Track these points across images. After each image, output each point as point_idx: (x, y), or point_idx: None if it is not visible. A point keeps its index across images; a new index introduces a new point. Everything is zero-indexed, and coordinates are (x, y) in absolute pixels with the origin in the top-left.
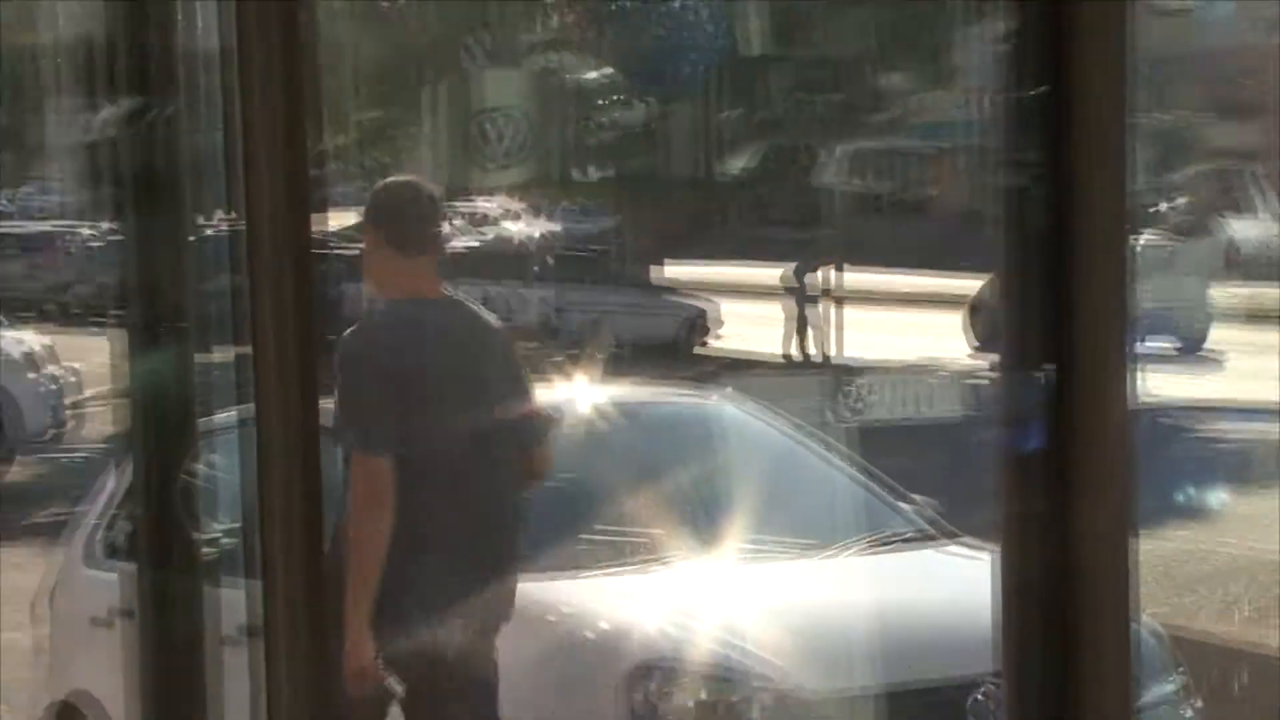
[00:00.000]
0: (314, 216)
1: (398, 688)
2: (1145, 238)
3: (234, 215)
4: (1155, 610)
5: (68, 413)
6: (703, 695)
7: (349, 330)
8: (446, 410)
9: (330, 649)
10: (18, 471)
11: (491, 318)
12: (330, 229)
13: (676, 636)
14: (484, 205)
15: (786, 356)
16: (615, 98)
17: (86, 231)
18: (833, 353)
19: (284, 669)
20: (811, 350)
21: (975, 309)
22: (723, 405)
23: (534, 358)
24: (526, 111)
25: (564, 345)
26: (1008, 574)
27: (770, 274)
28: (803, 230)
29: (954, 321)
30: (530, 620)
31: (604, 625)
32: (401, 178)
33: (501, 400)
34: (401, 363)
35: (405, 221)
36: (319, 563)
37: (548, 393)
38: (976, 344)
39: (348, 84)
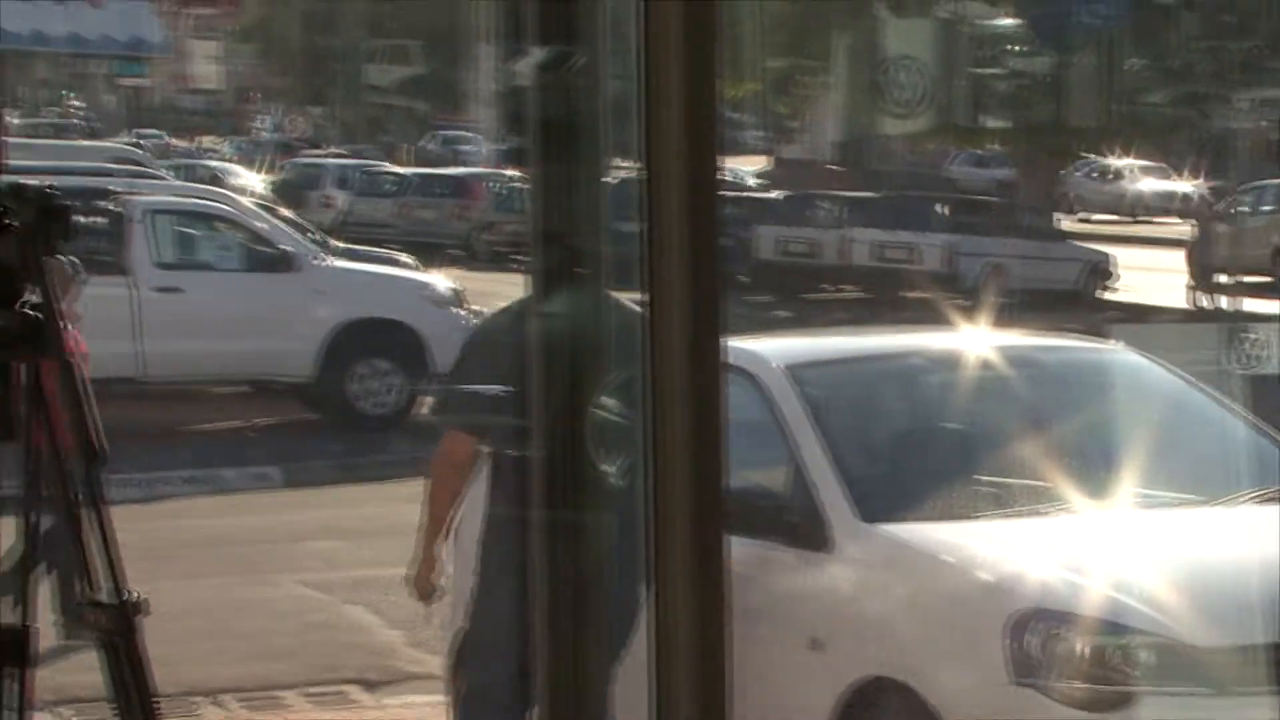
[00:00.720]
0: (717, 160)
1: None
2: None
3: (640, 161)
4: None
5: None
6: (1092, 642)
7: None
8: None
9: (718, 588)
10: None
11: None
12: (735, 173)
13: (1068, 583)
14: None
15: (1189, 306)
16: (1018, 47)
17: (510, 173)
18: (1233, 304)
19: (674, 606)
20: (1210, 301)
21: (1192, 248)
22: (1124, 353)
23: (932, 304)
24: (929, 61)
25: (962, 292)
26: None
27: (1168, 224)
28: (1207, 179)
29: None
30: (919, 561)
31: (994, 569)
32: None
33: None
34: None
35: None
36: (715, 504)
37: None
38: (1191, 283)
39: (756, 32)
